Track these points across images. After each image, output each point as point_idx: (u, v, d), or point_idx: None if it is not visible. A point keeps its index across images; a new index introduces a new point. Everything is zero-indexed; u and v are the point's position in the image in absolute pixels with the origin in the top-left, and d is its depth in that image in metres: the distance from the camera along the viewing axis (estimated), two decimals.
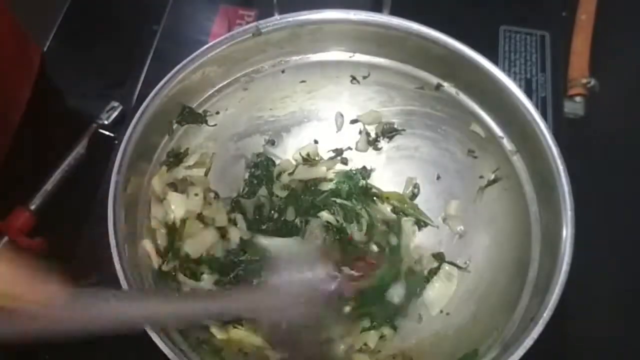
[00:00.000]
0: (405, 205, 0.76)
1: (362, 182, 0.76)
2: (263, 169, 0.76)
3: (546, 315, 0.53)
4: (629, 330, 0.74)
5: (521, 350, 0.51)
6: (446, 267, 0.70)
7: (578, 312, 0.72)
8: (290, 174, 0.76)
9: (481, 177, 0.71)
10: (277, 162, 0.77)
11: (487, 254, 0.69)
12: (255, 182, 0.76)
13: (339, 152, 0.79)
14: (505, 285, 0.64)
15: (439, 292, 0.69)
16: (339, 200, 0.74)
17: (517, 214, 0.65)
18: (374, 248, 0.73)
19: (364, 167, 0.78)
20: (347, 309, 0.67)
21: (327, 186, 0.76)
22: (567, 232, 0.56)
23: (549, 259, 0.58)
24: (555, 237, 0.57)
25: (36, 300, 0.41)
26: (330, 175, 0.77)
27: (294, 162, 0.77)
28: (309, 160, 0.77)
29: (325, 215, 0.74)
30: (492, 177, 0.70)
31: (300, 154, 0.77)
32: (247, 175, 0.77)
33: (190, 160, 0.69)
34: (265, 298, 0.59)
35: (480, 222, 0.71)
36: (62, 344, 0.70)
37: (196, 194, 0.68)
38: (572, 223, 0.57)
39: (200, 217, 0.69)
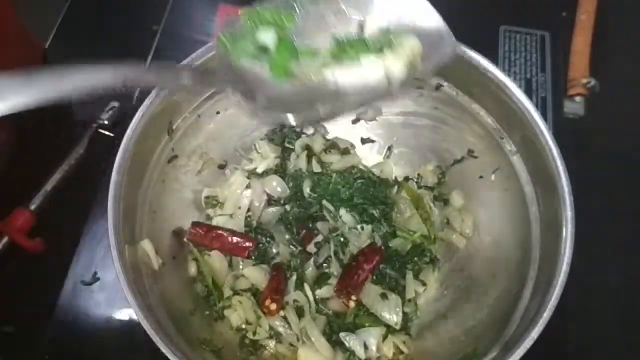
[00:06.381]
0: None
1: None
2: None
3: (546, 315, 0.53)
4: (629, 330, 0.74)
5: (521, 350, 0.52)
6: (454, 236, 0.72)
7: (578, 312, 0.72)
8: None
9: (481, 177, 0.71)
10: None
11: (487, 254, 0.69)
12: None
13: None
14: (505, 285, 0.64)
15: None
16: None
17: (517, 214, 0.65)
18: None
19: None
20: None
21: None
22: (567, 232, 0.56)
23: (549, 259, 0.58)
24: (555, 237, 0.57)
25: None
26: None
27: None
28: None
29: None
30: (492, 177, 0.70)
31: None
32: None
33: None
34: None
35: (480, 222, 0.72)
36: (63, 344, 0.70)
37: None
38: (572, 223, 0.57)
39: None
